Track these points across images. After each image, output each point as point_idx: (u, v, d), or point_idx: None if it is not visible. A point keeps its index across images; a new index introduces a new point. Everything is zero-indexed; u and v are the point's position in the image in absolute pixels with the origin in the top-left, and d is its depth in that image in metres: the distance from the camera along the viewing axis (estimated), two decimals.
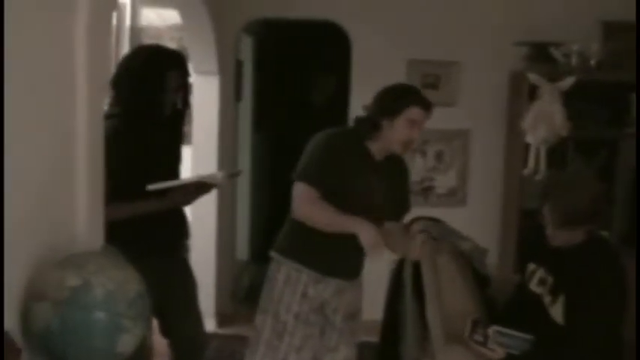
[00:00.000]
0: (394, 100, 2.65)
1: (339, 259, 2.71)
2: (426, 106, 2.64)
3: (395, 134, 2.63)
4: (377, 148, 2.69)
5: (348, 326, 2.82)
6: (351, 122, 2.92)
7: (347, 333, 2.82)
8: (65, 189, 1.82)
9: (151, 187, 2.43)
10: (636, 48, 4.05)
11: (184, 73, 2.70)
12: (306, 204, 2.57)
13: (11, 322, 1.52)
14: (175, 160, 2.84)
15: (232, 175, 3.00)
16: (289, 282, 2.74)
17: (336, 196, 2.58)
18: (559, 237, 2.46)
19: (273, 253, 2.82)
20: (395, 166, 2.79)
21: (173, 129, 2.78)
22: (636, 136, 3.98)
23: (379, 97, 2.70)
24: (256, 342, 2.77)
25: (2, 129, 1.44)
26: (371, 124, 2.66)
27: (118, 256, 1.77)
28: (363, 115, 2.72)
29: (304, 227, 2.62)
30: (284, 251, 2.77)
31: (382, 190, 2.69)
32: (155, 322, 2.78)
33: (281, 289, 2.74)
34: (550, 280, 2.51)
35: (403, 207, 2.88)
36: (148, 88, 2.57)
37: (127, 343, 1.57)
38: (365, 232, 2.43)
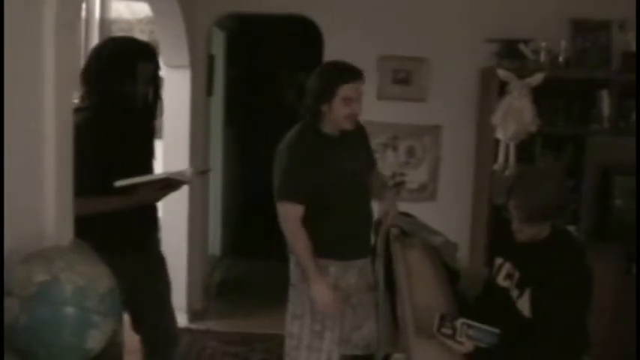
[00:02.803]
0: (323, 85, 2.74)
1: (356, 239, 2.87)
2: (356, 79, 2.73)
3: (337, 115, 2.74)
4: (330, 128, 2.80)
5: (367, 298, 2.93)
6: None
7: (367, 305, 2.92)
8: (34, 183, 1.80)
9: (118, 183, 2.40)
10: (636, 48, 4.10)
11: (155, 65, 2.67)
12: (293, 229, 2.74)
13: None
14: (148, 154, 2.80)
15: (201, 172, 2.98)
16: None
17: (320, 183, 2.73)
18: (525, 232, 2.49)
19: (292, 257, 2.87)
20: (355, 133, 2.88)
21: (145, 123, 2.75)
22: (636, 136, 4.03)
23: (309, 85, 2.80)
24: (296, 348, 2.83)
25: None
26: (312, 113, 2.77)
27: (88, 251, 1.75)
28: (304, 106, 2.82)
29: (317, 224, 2.73)
30: None
31: (351, 155, 2.83)
32: (126, 317, 2.76)
33: None
34: (516, 274, 2.54)
35: (372, 161, 3.07)
36: (118, 79, 2.53)
37: (96, 338, 1.56)
38: (320, 294, 2.71)
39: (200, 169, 2.92)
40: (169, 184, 2.64)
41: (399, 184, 4.54)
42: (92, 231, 2.14)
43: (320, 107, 2.74)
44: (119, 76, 2.53)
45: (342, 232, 2.80)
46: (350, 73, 2.73)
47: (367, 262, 2.96)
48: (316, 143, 2.79)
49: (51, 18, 1.79)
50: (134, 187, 2.48)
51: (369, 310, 2.94)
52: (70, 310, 1.51)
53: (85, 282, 1.54)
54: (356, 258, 2.88)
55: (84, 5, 4.25)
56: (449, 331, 2.48)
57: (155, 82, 2.67)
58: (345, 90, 2.70)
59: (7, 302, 1.50)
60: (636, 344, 2.78)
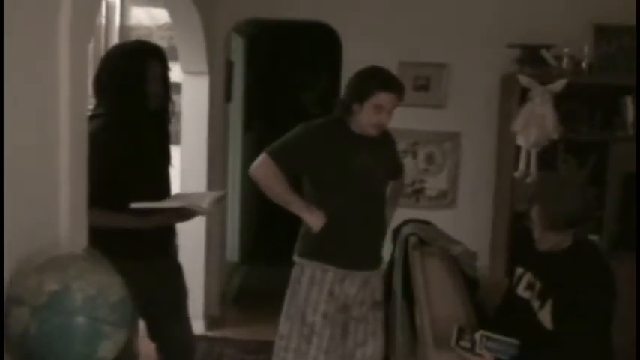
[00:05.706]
0: (361, 85, 2.73)
1: (361, 248, 2.80)
2: (394, 90, 2.70)
3: (364, 118, 2.72)
4: (356, 127, 2.78)
5: (373, 315, 2.86)
6: None
7: (373, 322, 2.86)
8: (48, 191, 1.79)
9: (134, 205, 2.36)
10: (636, 49, 4.04)
11: (164, 65, 2.65)
12: (263, 168, 2.73)
13: None
14: (164, 160, 2.79)
15: (218, 200, 2.93)
16: (314, 282, 2.77)
17: (335, 174, 2.72)
18: (547, 240, 2.44)
19: (295, 258, 2.86)
20: (380, 138, 2.85)
21: (159, 127, 2.73)
22: (636, 138, 3.96)
23: (349, 81, 2.81)
24: (284, 349, 2.80)
25: None
26: (343, 108, 2.77)
27: (100, 260, 1.74)
28: (339, 100, 2.86)
29: (325, 227, 2.71)
30: (307, 254, 2.81)
31: (374, 158, 2.78)
32: (142, 326, 2.75)
33: (306, 291, 2.78)
34: (538, 284, 2.49)
35: (398, 168, 3.04)
36: (129, 79, 2.53)
37: (107, 349, 1.54)
38: (314, 220, 2.71)
39: (217, 197, 2.87)
40: (184, 214, 2.61)
41: (419, 192, 4.49)
42: (109, 238, 2.13)
43: (352, 105, 2.73)
44: (129, 76, 2.53)
45: (346, 237, 2.74)
46: (391, 83, 2.70)
47: (374, 275, 2.87)
48: (338, 135, 2.77)
49: (65, 27, 1.78)
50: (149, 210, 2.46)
51: (374, 327, 2.86)
52: (80, 319, 1.49)
53: (95, 291, 1.52)
54: (358, 268, 2.79)
55: (104, 12, 4.27)
56: (467, 344, 2.43)
57: (165, 83, 2.66)
58: (380, 97, 2.67)
59: (18, 311, 1.49)
60: (636, 345, 2.71)
